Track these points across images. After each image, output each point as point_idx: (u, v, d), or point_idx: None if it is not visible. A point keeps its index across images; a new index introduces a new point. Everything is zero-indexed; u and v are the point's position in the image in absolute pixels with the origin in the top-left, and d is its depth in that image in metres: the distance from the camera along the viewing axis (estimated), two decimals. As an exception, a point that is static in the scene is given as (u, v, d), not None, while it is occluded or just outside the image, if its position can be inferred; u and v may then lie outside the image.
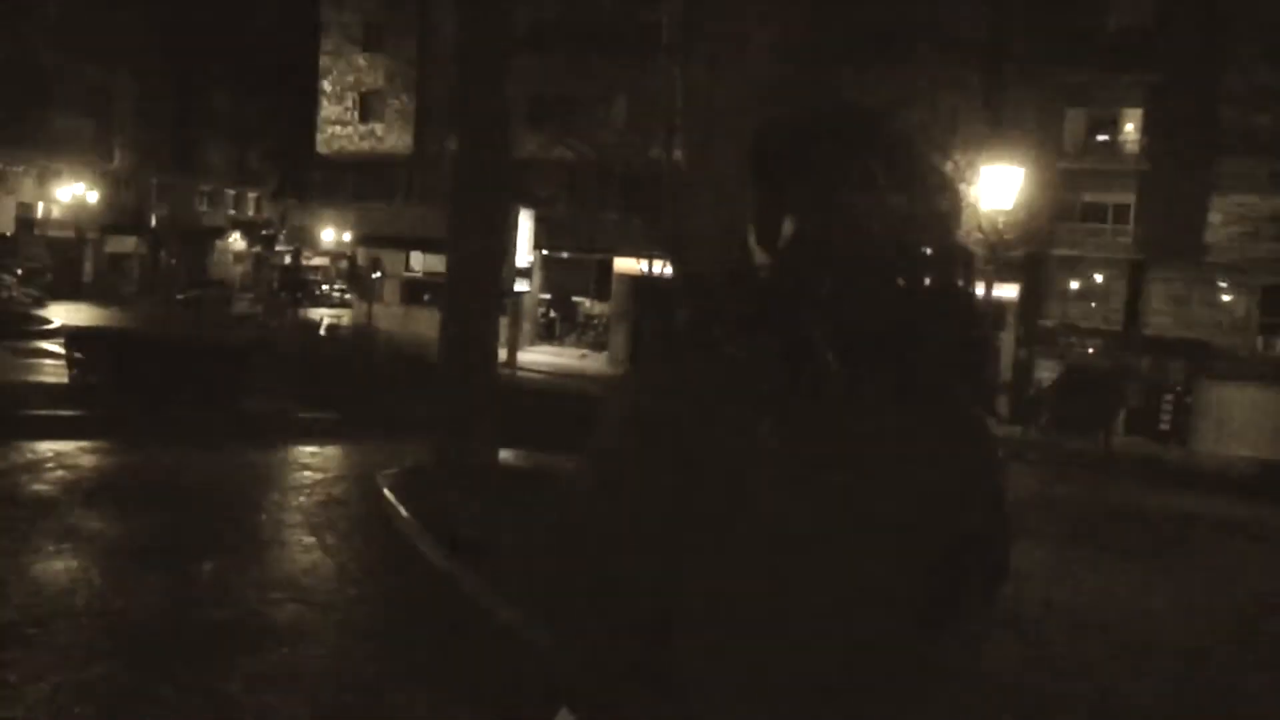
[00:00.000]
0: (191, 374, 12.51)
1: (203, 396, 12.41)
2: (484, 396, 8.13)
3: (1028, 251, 31.71)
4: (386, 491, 7.31)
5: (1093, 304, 33.47)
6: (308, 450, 11.00)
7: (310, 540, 6.36)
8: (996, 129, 29.80)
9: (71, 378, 12.95)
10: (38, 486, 7.32)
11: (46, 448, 9.06)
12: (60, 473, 8.02)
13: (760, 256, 1.29)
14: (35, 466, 8.19)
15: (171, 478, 8.38)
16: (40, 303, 32.43)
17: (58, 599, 4.83)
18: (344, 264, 53.62)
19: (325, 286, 52.37)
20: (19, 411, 10.49)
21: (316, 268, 55.93)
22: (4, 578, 5.05)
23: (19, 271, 35.68)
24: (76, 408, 11.10)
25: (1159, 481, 17.04)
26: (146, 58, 43.09)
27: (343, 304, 46.61)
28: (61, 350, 20.50)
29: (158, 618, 4.74)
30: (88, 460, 8.78)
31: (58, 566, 5.35)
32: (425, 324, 36.16)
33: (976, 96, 31.36)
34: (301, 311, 42.51)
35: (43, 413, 10.64)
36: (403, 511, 6.61)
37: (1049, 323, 33.32)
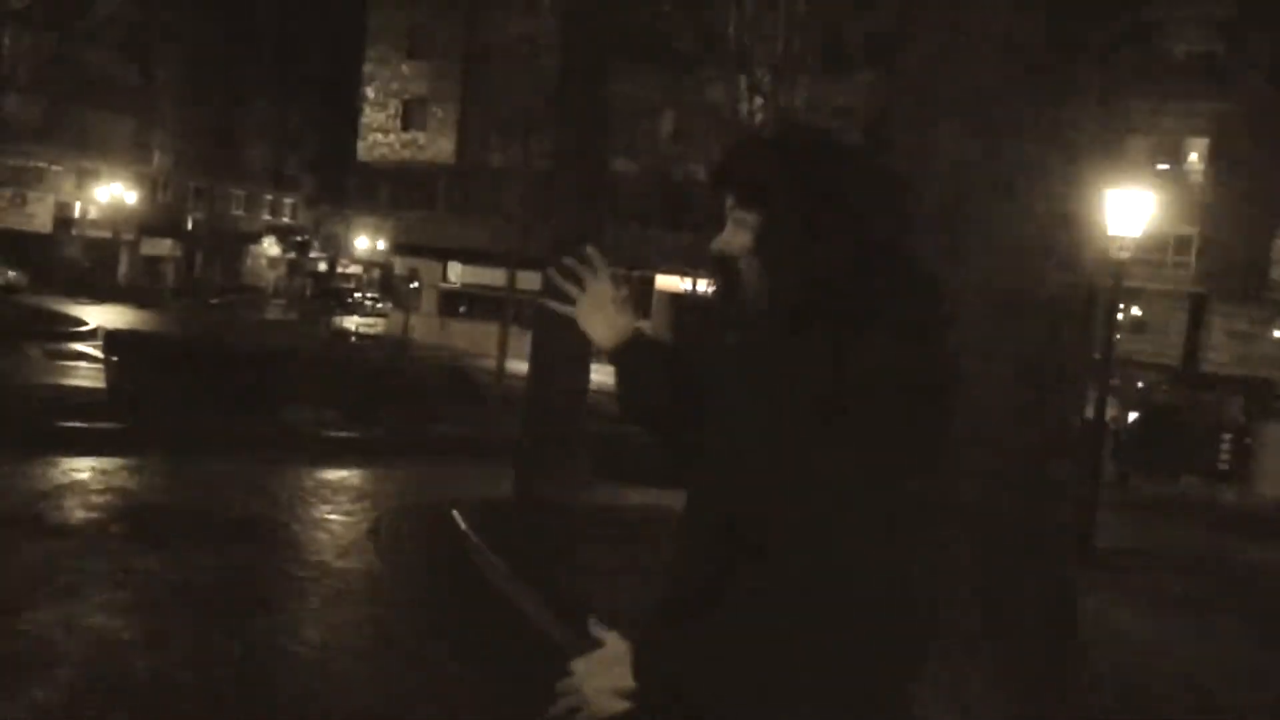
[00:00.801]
0: (232, 382, 11.92)
1: (244, 407, 11.80)
2: (574, 426, 7.35)
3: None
4: (471, 534, 6.52)
5: (1148, 337, 32.46)
6: (363, 472, 10.26)
7: (402, 596, 5.58)
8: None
9: (109, 383, 12.31)
10: (82, 514, 6.59)
11: (88, 465, 8.35)
12: (105, 497, 7.29)
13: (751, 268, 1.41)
14: (78, 489, 7.46)
15: (225, 505, 7.64)
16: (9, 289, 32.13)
17: (118, 670, 4.05)
18: (376, 272, 53.18)
19: (358, 294, 51.88)
20: (57, 423, 9.82)
21: (350, 275, 55.52)
22: (54, 638, 4.29)
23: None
24: (116, 419, 10.44)
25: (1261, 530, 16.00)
26: (189, 60, 42.84)
27: (375, 313, 46.10)
28: (96, 352, 20.03)
29: (241, 703, 3.95)
30: (133, 481, 8.05)
31: (115, 624, 4.59)
32: (461, 336, 35.57)
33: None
34: (335, 319, 42.00)
35: (82, 425, 9.96)
36: (496, 562, 5.80)
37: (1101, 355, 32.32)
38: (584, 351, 7.34)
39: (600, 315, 1.70)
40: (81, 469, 8.23)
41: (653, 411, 1.67)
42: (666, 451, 1.66)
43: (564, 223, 7.50)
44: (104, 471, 8.28)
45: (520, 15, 31.51)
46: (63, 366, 17.59)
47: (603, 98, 7.25)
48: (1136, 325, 33.00)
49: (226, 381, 11.96)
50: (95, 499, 7.19)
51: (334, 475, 9.98)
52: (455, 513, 7.12)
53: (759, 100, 18.63)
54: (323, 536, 6.95)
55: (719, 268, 1.46)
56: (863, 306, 1.32)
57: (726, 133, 22.16)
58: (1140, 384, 29.74)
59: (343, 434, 12.62)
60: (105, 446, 9.18)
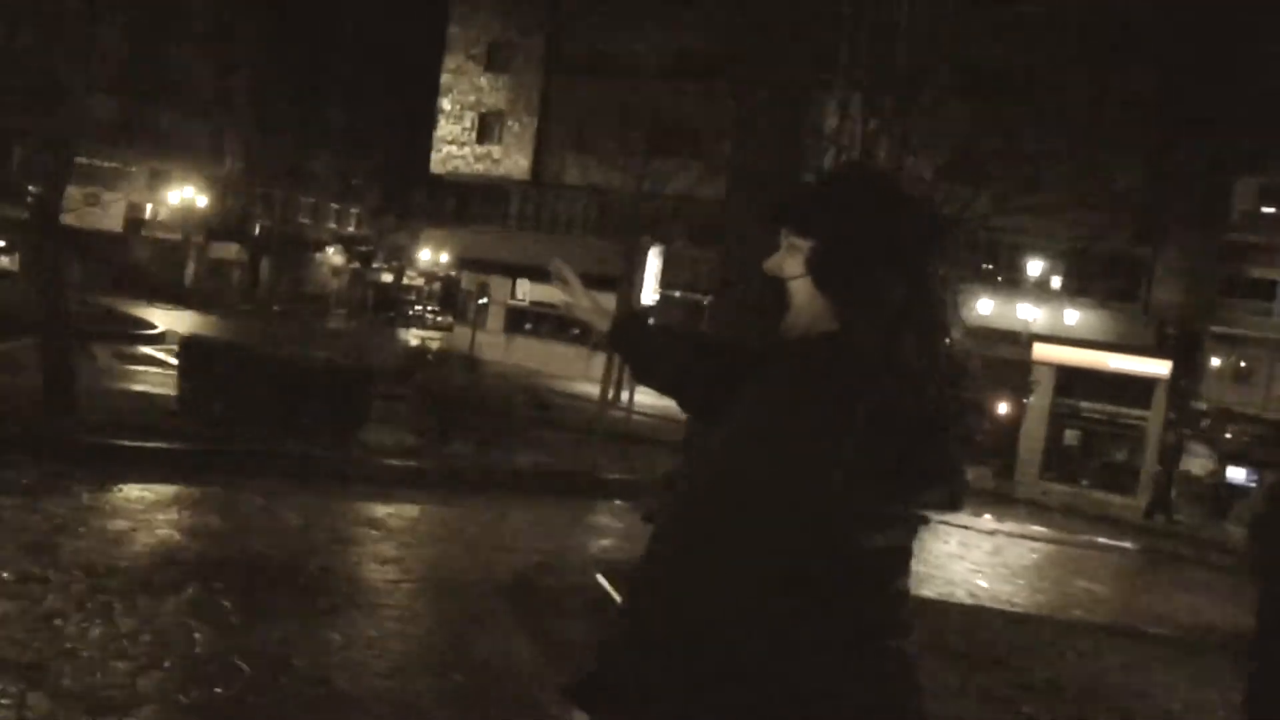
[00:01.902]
0: (310, 399, 11.05)
1: (321, 427, 10.92)
2: None
3: (1183, 327, 29.26)
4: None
5: (1251, 388, 30.75)
6: (460, 512, 9.27)
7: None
8: (1161, 194, 27.53)
9: (181, 393, 11.47)
10: (175, 564, 5.59)
11: (169, 496, 7.42)
12: (196, 541, 6.33)
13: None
14: (163, 527, 6.52)
15: (331, 555, 6.67)
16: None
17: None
18: (437, 285, 52.63)
19: (419, 307, 51.36)
20: (126, 442, 8.88)
21: (410, 287, 55.08)
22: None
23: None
24: (191, 437, 9.54)
25: None
26: (264, 64, 42.67)
27: (436, 326, 45.48)
28: (165, 356, 19.42)
29: None
30: (222, 520, 7.09)
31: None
32: (527, 354, 34.68)
33: (1137, 158, 29.00)
34: (398, 331, 41.42)
35: (153, 445, 9.02)
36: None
37: (1201, 405, 30.68)
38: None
39: (585, 311, 2.00)
40: (163, 500, 7.32)
41: (657, 373, 1.93)
42: (680, 405, 1.92)
43: (741, 253, 6.41)
44: (188, 505, 7.36)
45: (612, 32, 30.78)
46: (132, 371, 16.97)
47: (797, 125, 6.21)
48: (1239, 374, 31.35)
49: (304, 398, 11.11)
50: (184, 542, 6.24)
51: (432, 513, 9.01)
52: (601, 579, 6.06)
53: (873, 123, 17.49)
54: (452, 605, 5.91)
55: (770, 286, 1.69)
56: (884, 355, 1.54)
57: (831, 155, 21.07)
58: (1246, 438, 28.12)
59: (428, 464, 11.65)
60: (183, 471, 8.29)
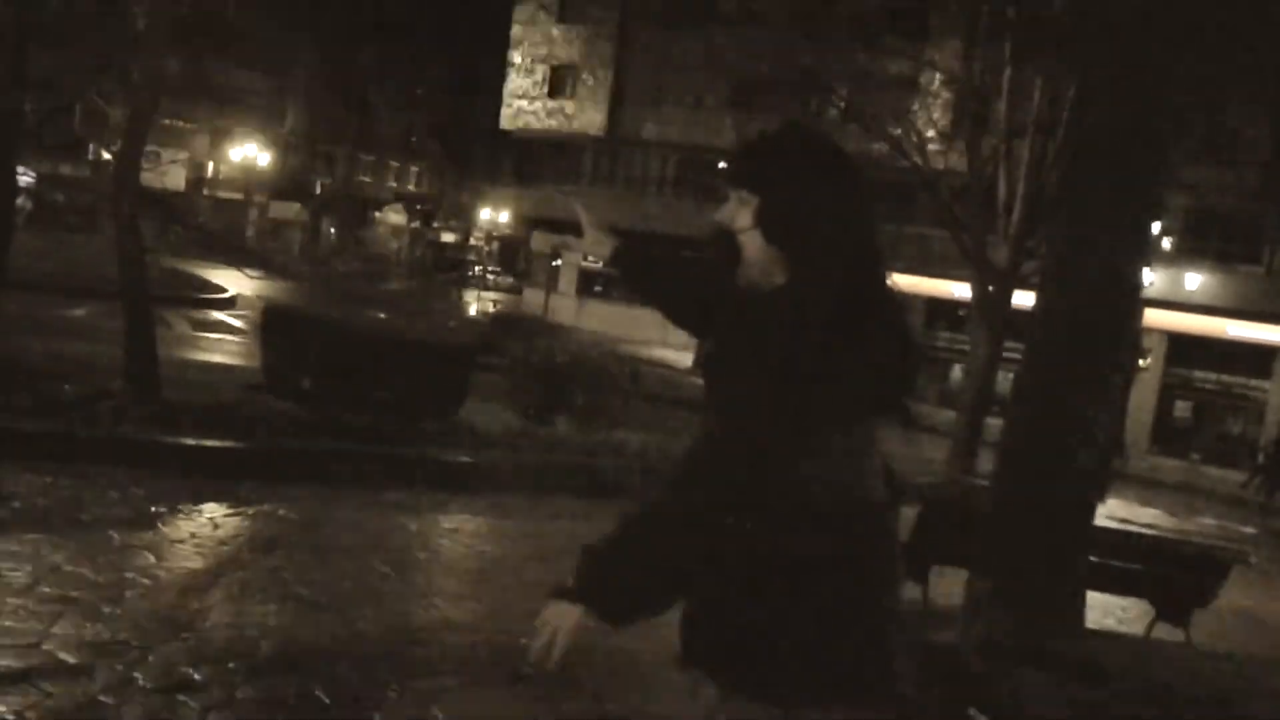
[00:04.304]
0: (408, 373, 9.82)
1: (424, 405, 9.66)
2: (1074, 532, 4.72)
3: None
4: None
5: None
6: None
7: None
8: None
9: (267, 365, 10.24)
10: (335, 659, 4.22)
11: (289, 519, 6.11)
12: (343, 591, 5.06)
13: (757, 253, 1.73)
14: (296, 579, 5.23)
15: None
16: None
17: None
18: (496, 245, 51.40)
19: (479, 268, 50.15)
20: (232, 443, 7.55)
21: (470, 247, 53.95)
22: None
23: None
24: (291, 431, 8.18)
25: None
26: (327, 20, 41.39)
27: (498, 287, 44.28)
28: (236, 322, 18.46)
29: None
30: (379, 567, 5.80)
31: None
32: (601, 318, 33.43)
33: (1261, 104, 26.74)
34: (463, 294, 40.34)
35: (262, 448, 7.71)
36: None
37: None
38: (1103, 419, 4.59)
39: (592, 242, 2.17)
40: (298, 525, 6.05)
41: (651, 292, 2.07)
42: (670, 320, 2.06)
43: (1086, 215, 4.85)
44: (335, 533, 6.06)
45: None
46: (207, 340, 16.03)
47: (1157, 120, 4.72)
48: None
49: (399, 373, 9.88)
50: (348, 604, 4.96)
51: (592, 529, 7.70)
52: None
53: (977, 68, 15.92)
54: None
55: (720, 237, 1.74)
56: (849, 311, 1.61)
57: (915, 109, 19.43)
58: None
59: (547, 455, 10.27)
60: (300, 475, 6.98)
